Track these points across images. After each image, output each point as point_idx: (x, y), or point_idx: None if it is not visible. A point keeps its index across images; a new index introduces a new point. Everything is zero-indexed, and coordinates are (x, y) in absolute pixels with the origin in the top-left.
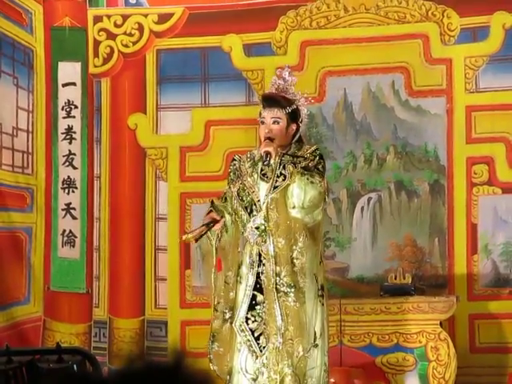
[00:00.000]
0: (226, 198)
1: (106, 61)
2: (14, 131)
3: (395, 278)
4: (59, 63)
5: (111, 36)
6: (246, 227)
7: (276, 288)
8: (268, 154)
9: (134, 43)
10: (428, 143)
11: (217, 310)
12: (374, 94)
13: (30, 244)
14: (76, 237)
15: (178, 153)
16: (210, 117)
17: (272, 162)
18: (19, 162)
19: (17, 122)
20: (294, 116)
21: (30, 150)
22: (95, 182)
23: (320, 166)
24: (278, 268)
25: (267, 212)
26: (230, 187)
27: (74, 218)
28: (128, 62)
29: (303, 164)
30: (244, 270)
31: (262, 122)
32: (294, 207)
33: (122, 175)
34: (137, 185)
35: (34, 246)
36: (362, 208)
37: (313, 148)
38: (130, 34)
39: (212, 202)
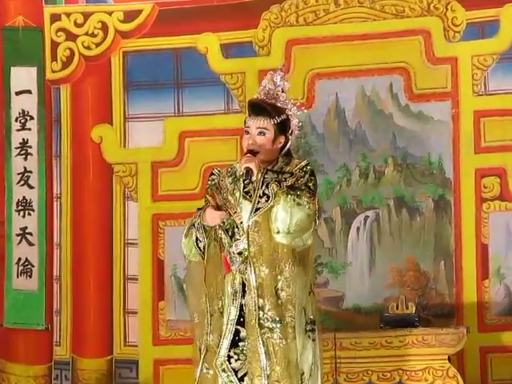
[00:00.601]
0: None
1: (65, 65)
2: None
3: (397, 308)
4: (12, 68)
5: (71, 37)
6: (229, 253)
7: (259, 323)
8: (248, 170)
9: (98, 45)
10: (432, 153)
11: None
12: (370, 99)
13: None
14: (33, 266)
15: (150, 169)
16: (184, 127)
17: (254, 179)
18: None
19: None
20: (282, 127)
21: None
22: (55, 203)
23: (311, 184)
24: (260, 300)
25: (248, 236)
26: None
27: (30, 244)
28: (91, 67)
29: (290, 182)
30: (226, 301)
31: (247, 132)
32: (278, 232)
33: (85, 195)
34: (103, 206)
35: None
36: (358, 228)
37: (302, 163)
38: (93, 35)
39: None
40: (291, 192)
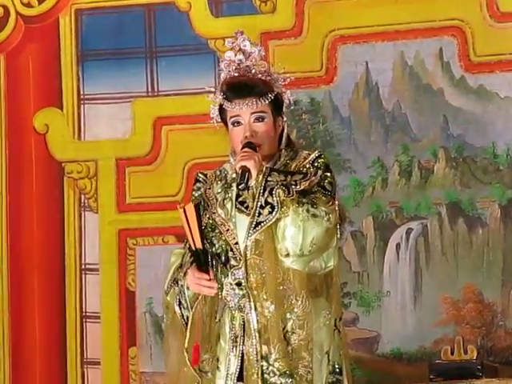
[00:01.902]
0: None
1: None
2: None
3: (452, 353)
4: None
5: None
6: (224, 284)
7: (263, 378)
8: (245, 171)
9: (41, 1)
10: (497, 143)
11: None
12: (412, 70)
13: None
14: None
15: (114, 168)
16: (160, 112)
17: (253, 183)
18: None
19: None
20: (278, 105)
21: None
22: None
23: (326, 183)
24: (264, 348)
25: (246, 262)
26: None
27: None
28: (32, 31)
29: (302, 185)
30: (224, 348)
31: (237, 123)
32: (287, 255)
33: (26, 204)
34: (51, 219)
35: None
36: (398, 245)
37: (313, 155)
38: None
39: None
40: (303, 200)
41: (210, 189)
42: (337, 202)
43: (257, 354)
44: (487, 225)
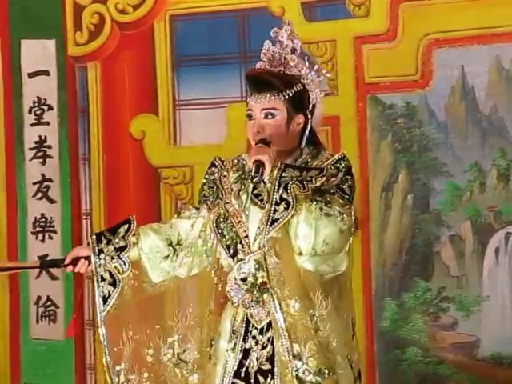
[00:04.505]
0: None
1: (93, 36)
2: None
3: None
4: (22, 42)
5: None
6: (227, 278)
7: (298, 378)
8: (260, 164)
9: (136, 7)
10: None
11: None
12: (509, 74)
13: None
14: (58, 307)
15: None
16: None
17: (266, 178)
18: None
19: None
20: (299, 103)
21: None
22: (83, 221)
23: (345, 186)
24: (296, 347)
25: (264, 258)
26: (196, 208)
27: (53, 278)
28: (127, 37)
29: (318, 182)
30: (222, 344)
31: (249, 117)
32: (300, 253)
33: (123, 210)
34: (147, 222)
35: None
36: (497, 249)
37: (336, 156)
38: None
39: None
40: (317, 198)
41: (225, 176)
42: (354, 207)
43: (288, 354)
44: None
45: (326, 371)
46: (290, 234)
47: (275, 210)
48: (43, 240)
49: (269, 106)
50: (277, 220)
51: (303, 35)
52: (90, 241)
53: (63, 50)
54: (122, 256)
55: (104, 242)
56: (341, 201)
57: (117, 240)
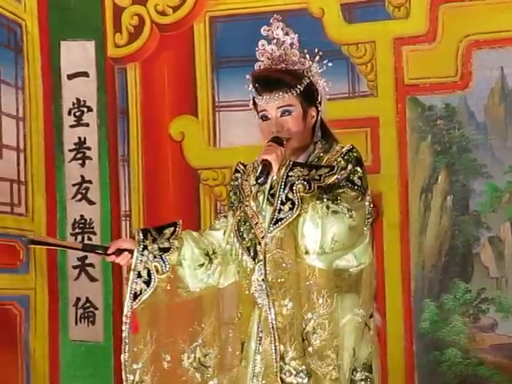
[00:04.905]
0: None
1: (133, 37)
2: None
3: None
4: (62, 43)
5: None
6: (251, 280)
7: (281, 378)
8: (267, 164)
9: (176, 8)
10: None
11: None
12: None
13: (26, 321)
14: (97, 308)
15: None
16: None
17: (274, 178)
18: (6, 197)
19: (0, 135)
20: (309, 96)
21: (22, 178)
22: (123, 222)
23: (355, 177)
24: (281, 347)
25: (265, 258)
26: (224, 216)
27: (92, 279)
28: (167, 39)
29: (326, 180)
30: (251, 346)
31: (265, 117)
32: (307, 252)
33: (163, 212)
34: (187, 226)
35: (32, 323)
36: None
37: (344, 149)
38: None
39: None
40: (324, 196)
41: (246, 180)
42: (369, 196)
43: (275, 353)
44: None
45: (309, 373)
46: (295, 233)
47: (280, 210)
48: (82, 241)
49: (284, 104)
50: (281, 219)
51: (342, 36)
52: (135, 235)
53: (103, 52)
54: (164, 257)
55: (150, 239)
56: (352, 193)
57: (162, 240)
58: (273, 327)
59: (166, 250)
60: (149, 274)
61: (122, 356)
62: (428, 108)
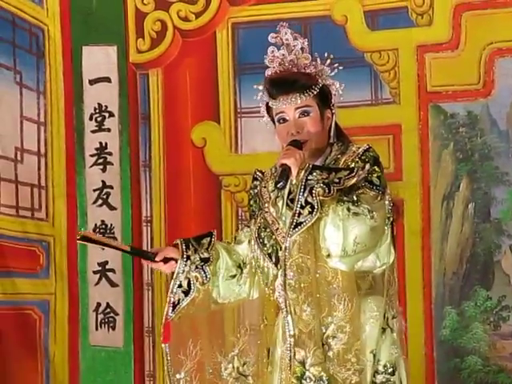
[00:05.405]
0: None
1: (155, 43)
2: (18, 154)
3: None
4: (84, 48)
5: (162, 4)
6: (275, 286)
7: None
8: (286, 168)
9: (198, 15)
10: None
11: None
12: None
13: (46, 326)
14: (117, 314)
15: None
16: None
17: (294, 182)
18: (26, 202)
19: (21, 139)
20: (325, 98)
21: (43, 183)
22: (144, 228)
23: (374, 177)
24: (302, 352)
25: (285, 262)
26: (247, 226)
27: (113, 284)
28: (189, 45)
29: (346, 183)
30: (277, 352)
31: (282, 120)
32: (329, 255)
33: (184, 217)
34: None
35: (52, 328)
36: None
37: (361, 148)
38: (192, 1)
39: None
40: (344, 198)
41: (265, 187)
42: (388, 195)
43: (290, 359)
44: None
45: (330, 379)
46: (315, 237)
47: (300, 213)
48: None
49: (302, 104)
50: (301, 223)
51: (365, 44)
52: (179, 244)
53: (125, 57)
54: (204, 267)
55: (192, 249)
56: (371, 193)
57: (202, 250)
58: (290, 334)
59: (206, 261)
60: (189, 285)
61: (166, 367)
62: (450, 116)
